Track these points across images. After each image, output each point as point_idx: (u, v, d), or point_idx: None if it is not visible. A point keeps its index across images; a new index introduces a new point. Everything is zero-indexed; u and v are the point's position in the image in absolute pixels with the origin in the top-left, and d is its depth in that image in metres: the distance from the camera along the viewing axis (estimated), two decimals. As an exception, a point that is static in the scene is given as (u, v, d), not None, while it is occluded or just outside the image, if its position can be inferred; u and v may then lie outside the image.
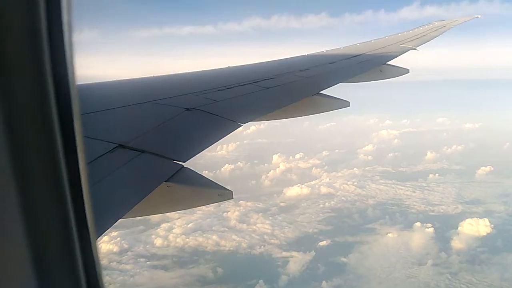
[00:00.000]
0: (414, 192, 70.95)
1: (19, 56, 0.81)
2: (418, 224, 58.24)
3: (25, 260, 0.90)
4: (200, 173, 3.67)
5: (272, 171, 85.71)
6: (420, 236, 55.57)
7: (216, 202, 3.94)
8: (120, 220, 2.63)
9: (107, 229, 2.46)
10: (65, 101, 0.90)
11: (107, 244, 49.74)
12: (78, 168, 0.97)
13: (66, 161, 0.93)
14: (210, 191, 3.70)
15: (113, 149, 3.24)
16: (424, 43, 11.29)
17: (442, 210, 64.23)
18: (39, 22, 0.80)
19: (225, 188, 3.76)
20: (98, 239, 2.39)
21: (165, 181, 3.21)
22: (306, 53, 9.65)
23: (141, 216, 3.63)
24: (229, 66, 7.43)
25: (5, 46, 0.78)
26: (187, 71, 6.86)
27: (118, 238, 51.24)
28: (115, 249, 50.15)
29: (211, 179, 3.87)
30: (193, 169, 3.56)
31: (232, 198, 3.79)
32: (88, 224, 1.04)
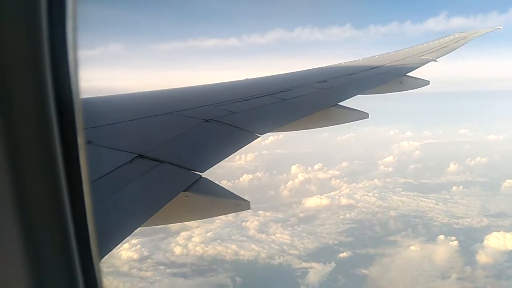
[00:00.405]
0: (437, 204, 69.26)
1: (19, 69, 0.82)
2: (441, 237, 56.77)
3: (21, 269, 0.90)
4: (218, 183, 3.72)
5: (290, 181, 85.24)
6: (444, 249, 54.11)
7: (233, 212, 3.97)
8: (140, 228, 2.71)
9: (127, 236, 2.53)
10: (68, 115, 0.90)
11: (127, 251, 50.31)
12: (80, 179, 0.98)
13: (67, 172, 0.93)
14: (228, 201, 3.72)
15: (133, 159, 3.32)
16: (444, 54, 11.11)
17: (466, 223, 62.41)
18: (40, 30, 0.81)
19: (242, 198, 3.79)
20: (117, 246, 2.48)
21: (183, 191, 3.26)
22: (324, 65, 9.67)
23: (160, 225, 3.70)
24: (246, 78, 7.52)
25: (6, 59, 0.79)
26: (207, 83, 6.98)
27: (139, 246, 51.76)
28: (135, 256, 50.65)
29: (229, 189, 3.91)
30: (211, 180, 3.61)
31: (249, 208, 3.82)
32: (90, 241, 1.05)
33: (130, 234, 2.57)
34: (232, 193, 3.82)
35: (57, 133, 0.89)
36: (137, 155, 3.39)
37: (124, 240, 2.50)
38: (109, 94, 5.62)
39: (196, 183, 3.39)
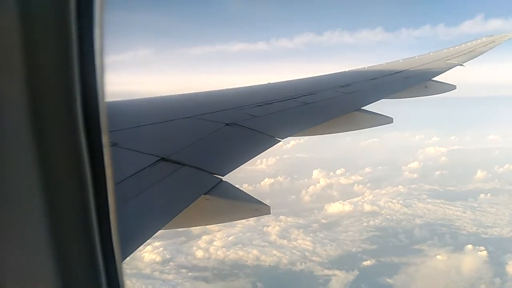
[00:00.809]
0: (464, 212, 67.30)
1: (50, 71, 0.86)
2: (469, 246, 55.09)
3: (48, 267, 0.94)
4: (238, 187, 3.73)
5: (312, 186, 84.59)
6: (472, 259, 52.45)
7: (253, 217, 3.97)
8: (161, 231, 2.74)
9: (148, 238, 2.56)
10: (93, 117, 0.93)
11: (150, 254, 50.97)
12: (105, 180, 1.00)
13: (92, 173, 0.96)
14: (248, 205, 3.72)
15: (155, 162, 3.38)
16: (471, 58, 10.83)
17: (495, 233, 60.36)
18: (70, 33, 0.85)
19: (262, 202, 3.78)
20: (139, 248, 2.52)
21: (204, 194, 3.29)
22: (347, 69, 9.59)
23: (180, 228, 3.73)
24: (269, 82, 7.53)
25: (38, 60, 0.83)
26: (230, 87, 7.03)
27: (161, 248, 52.36)
28: (158, 259, 51.24)
29: (250, 193, 3.90)
30: (231, 183, 3.63)
31: (270, 213, 3.81)
32: (113, 242, 1.07)
33: (151, 236, 2.60)
34: (252, 197, 3.81)
35: (83, 134, 0.92)
36: (160, 158, 3.45)
37: (146, 242, 2.53)
38: (135, 98, 5.74)
39: (217, 186, 3.42)
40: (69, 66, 0.87)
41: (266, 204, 3.77)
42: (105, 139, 0.97)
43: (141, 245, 2.46)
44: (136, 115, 4.89)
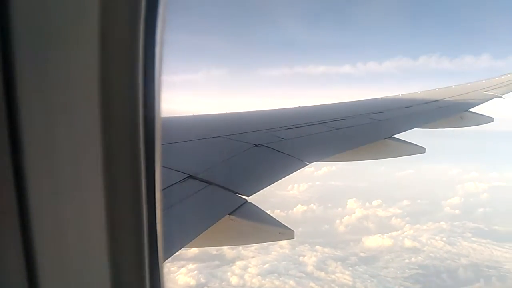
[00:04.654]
0: (515, 255, 62.45)
1: (119, 87, 0.97)
2: (520, 292, 50.91)
3: (103, 266, 1.03)
4: (262, 210, 3.78)
5: (347, 216, 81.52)
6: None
7: (276, 240, 3.98)
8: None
9: (171, 255, 2.66)
10: (150, 129, 1.03)
11: (184, 276, 50.69)
12: (155, 189, 1.09)
13: (147, 181, 1.04)
14: (271, 228, 3.71)
15: (184, 179, 3.51)
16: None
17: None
18: (137, 55, 0.95)
19: (286, 226, 3.78)
20: (165, 265, 2.63)
21: (228, 214, 3.35)
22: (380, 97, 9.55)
23: (202, 247, 3.79)
24: (299, 106, 7.63)
25: (110, 71, 0.93)
26: (260, 109, 7.18)
27: (196, 272, 51.99)
28: (192, 282, 50.85)
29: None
30: (256, 205, 3.69)
31: (293, 238, 3.80)
32: (158, 245, 1.16)
33: (174, 253, 2.67)
34: (277, 220, 3.82)
35: (142, 143, 1.01)
36: (188, 175, 3.57)
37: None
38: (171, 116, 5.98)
39: (241, 207, 3.46)
40: (135, 77, 0.96)
41: (290, 229, 3.77)
42: (158, 147, 1.07)
43: (165, 261, 2.57)
44: (169, 132, 5.12)
